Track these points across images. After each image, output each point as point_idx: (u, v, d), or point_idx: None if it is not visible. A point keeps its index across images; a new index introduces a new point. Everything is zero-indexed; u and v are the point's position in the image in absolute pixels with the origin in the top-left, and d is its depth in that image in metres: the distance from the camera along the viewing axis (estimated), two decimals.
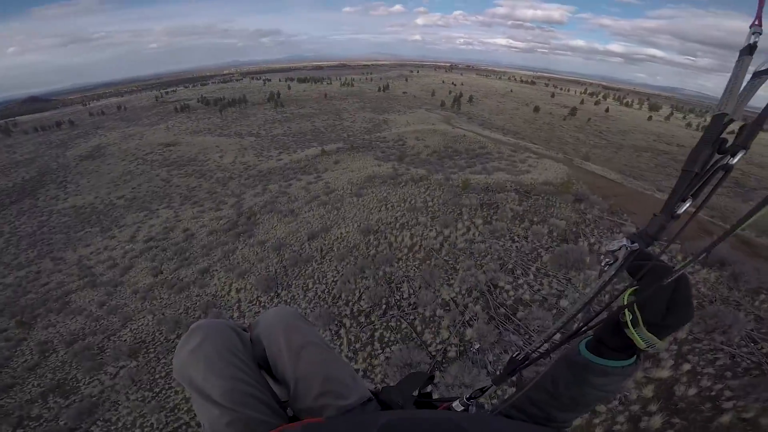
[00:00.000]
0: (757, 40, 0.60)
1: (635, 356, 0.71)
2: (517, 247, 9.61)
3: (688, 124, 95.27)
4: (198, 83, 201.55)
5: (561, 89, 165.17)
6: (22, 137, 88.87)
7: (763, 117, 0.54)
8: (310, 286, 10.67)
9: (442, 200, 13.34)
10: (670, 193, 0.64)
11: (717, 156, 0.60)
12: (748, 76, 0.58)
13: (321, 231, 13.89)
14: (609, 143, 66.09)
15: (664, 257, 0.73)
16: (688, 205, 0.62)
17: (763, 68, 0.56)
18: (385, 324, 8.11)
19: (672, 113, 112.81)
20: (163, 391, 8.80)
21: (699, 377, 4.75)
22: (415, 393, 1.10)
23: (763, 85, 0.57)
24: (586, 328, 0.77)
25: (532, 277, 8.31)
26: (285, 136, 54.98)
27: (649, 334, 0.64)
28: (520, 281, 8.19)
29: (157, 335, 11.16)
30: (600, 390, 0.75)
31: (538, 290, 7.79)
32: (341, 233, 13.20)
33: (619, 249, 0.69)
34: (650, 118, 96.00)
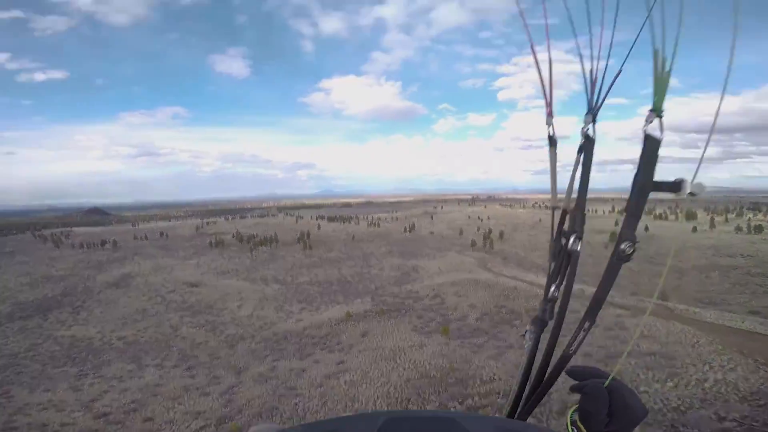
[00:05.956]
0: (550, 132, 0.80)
1: None
2: None
3: (738, 228, 78.72)
4: (238, 215, 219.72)
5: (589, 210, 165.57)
6: (68, 251, 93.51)
7: (582, 201, 0.76)
8: None
9: None
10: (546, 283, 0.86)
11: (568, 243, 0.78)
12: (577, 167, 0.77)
13: None
14: (666, 268, 56.98)
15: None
16: (557, 287, 0.83)
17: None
18: None
19: (712, 218, 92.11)
20: None
21: None
22: None
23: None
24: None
25: None
26: (311, 285, 53.09)
27: None
28: None
29: None
30: None
31: None
32: None
33: (525, 333, 0.93)
34: (695, 229, 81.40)
